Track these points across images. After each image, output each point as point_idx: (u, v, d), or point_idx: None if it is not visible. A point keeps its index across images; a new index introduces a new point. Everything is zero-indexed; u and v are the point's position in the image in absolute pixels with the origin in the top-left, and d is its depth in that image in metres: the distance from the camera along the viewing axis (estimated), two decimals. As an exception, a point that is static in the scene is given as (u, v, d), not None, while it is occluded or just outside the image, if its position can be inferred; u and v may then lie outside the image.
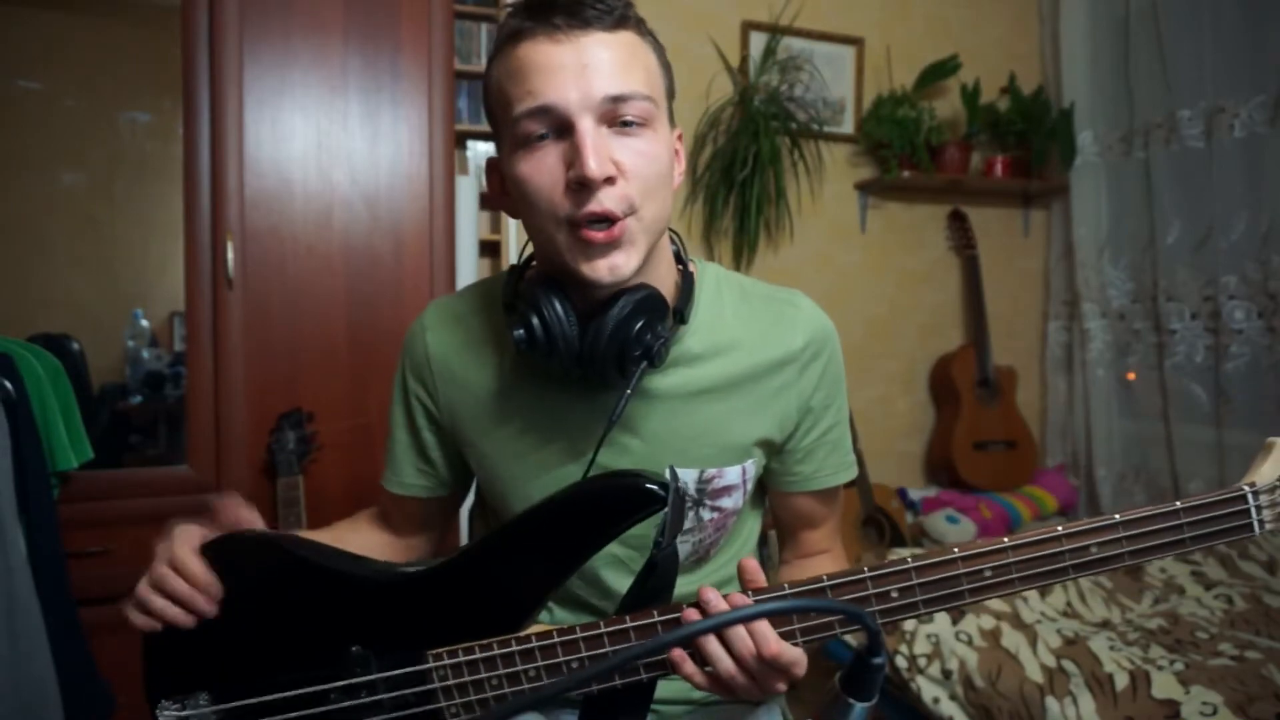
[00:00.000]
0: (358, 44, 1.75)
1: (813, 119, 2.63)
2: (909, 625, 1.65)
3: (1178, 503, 0.68)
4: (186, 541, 0.79)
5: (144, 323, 1.91)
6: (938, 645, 1.61)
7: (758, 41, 2.63)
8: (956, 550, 0.68)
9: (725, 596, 0.69)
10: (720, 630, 0.68)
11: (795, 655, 0.68)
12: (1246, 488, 0.68)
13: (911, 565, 0.68)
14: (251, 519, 0.83)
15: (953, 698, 1.56)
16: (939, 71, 2.73)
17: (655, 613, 0.71)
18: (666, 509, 0.70)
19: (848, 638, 1.79)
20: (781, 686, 0.69)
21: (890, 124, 2.64)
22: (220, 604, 0.78)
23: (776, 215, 2.62)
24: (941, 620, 1.64)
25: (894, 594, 0.68)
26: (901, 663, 1.63)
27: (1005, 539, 0.68)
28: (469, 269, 2.11)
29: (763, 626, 0.68)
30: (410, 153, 1.79)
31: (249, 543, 0.80)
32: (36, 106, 1.86)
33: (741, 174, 2.50)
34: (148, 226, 1.93)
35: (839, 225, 2.81)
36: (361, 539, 1.01)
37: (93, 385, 1.83)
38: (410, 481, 0.99)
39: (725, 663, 0.67)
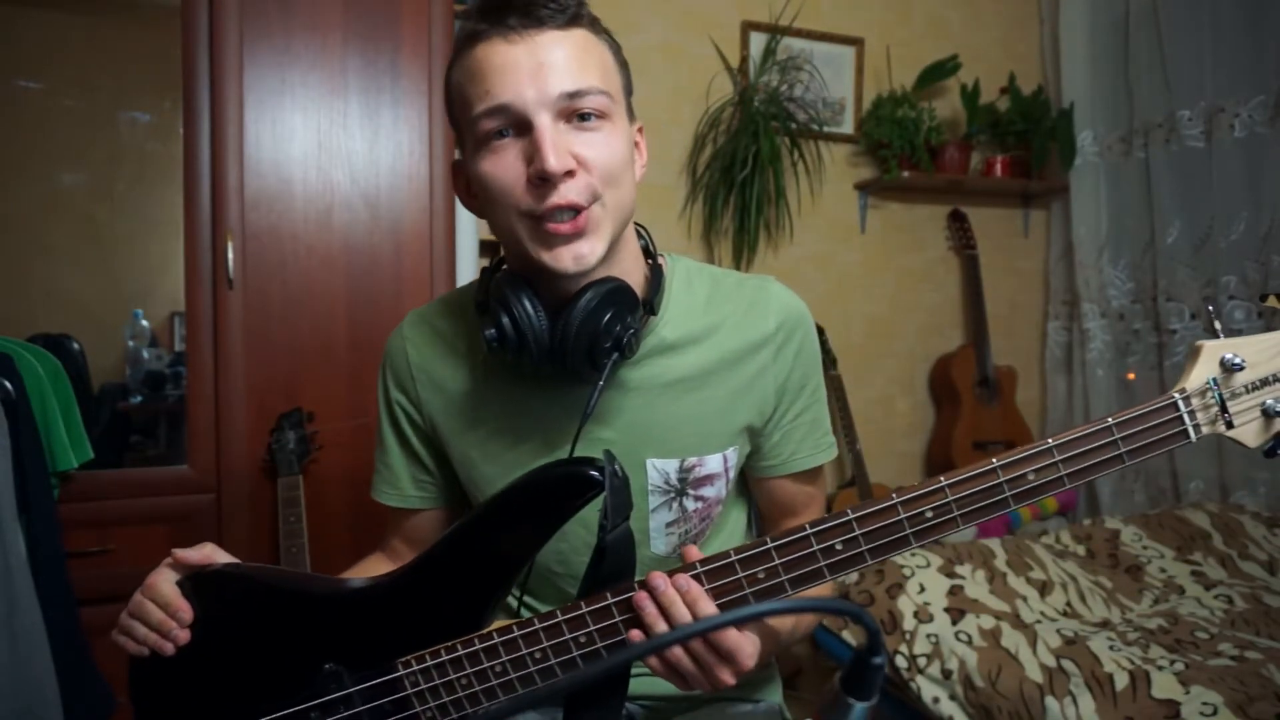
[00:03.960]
0: (358, 44, 1.75)
1: (813, 119, 2.63)
2: (909, 625, 1.65)
3: (1109, 419, 0.67)
4: (162, 571, 0.81)
5: (144, 323, 1.91)
6: (938, 645, 1.61)
7: (758, 42, 2.63)
8: (895, 496, 0.68)
9: (670, 574, 0.70)
10: (666, 611, 0.69)
11: (737, 641, 0.69)
12: (1177, 394, 0.67)
13: (852, 516, 0.69)
14: (222, 558, 0.84)
15: (953, 698, 1.56)
16: (939, 71, 2.73)
17: (609, 595, 0.72)
18: (605, 492, 0.71)
19: (847, 636, 1.79)
20: (728, 678, 0.70)
21: (890, 124, 2.64)
22: (197, 635, 0.79)
23: (776, 215, 2.62)
24: (941, 620, 1.64)
25: (838, 547, 0.69)
26: (901, 663, 1.63)
27: (941, 478, 0.68)
28: (469, 269, 2.10)
29: (705, 605, 0.69)
30: (410, 153, 1.79)
31: (220, 575, 0.82)
32: (36, 106, 1.86)
33: (741, 174, 2.50)
34: (148, 226, 1.93)
35: (839, 225, 2.81)
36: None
37: (93, 385, 1.82)
38: (410, 492, 0.99)
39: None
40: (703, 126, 2.59)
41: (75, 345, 1.79)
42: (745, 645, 0.69)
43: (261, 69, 1.69)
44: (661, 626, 0.69)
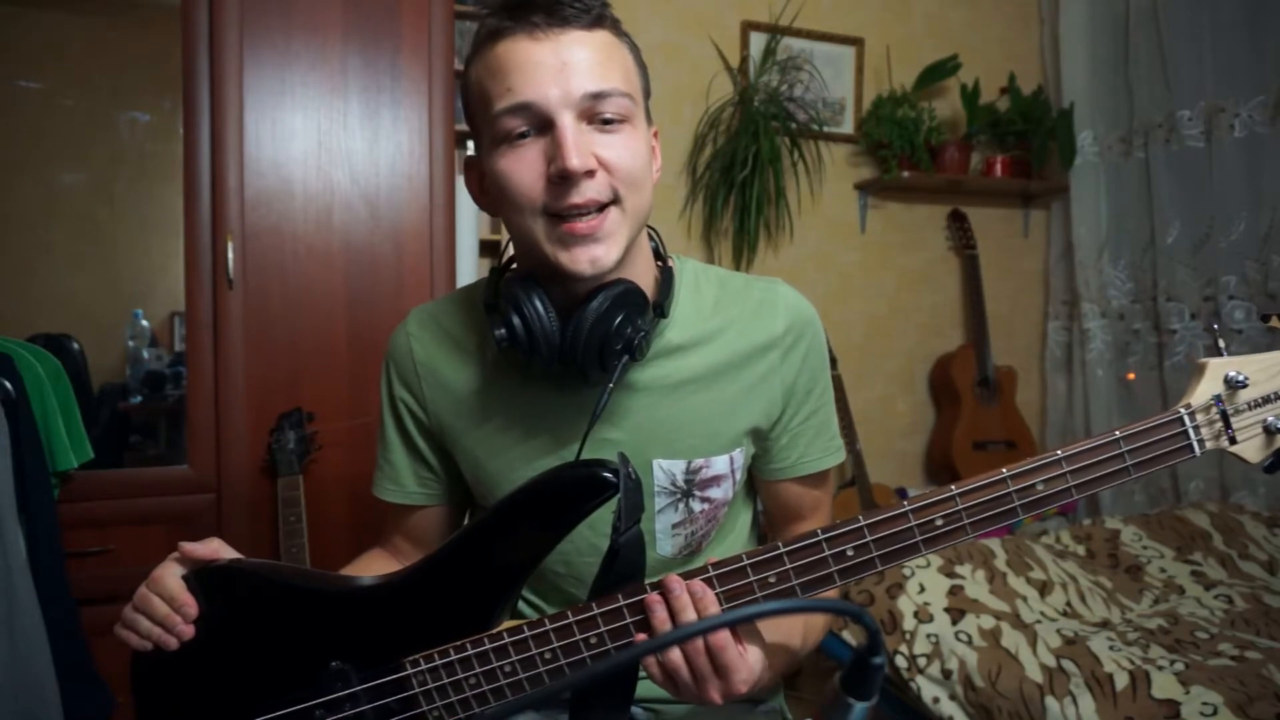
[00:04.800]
0: (358, 44, 1.75)
1: (813, 119, 2.63)
2: (909, 625, 1.65)
3: (1116, 431, 0.69)
4: (169, 565, 0.81)
5: (144, 323, 1.91)
6: (938, 645, 1.61)
7: (758, 41, 2.63)
8: (906, 504, 0.69)
9: (685, 577, 0.70)
10: (676, 615, 0.69)
11: (734, 660, 0.68)
12: (1182, 410, 0.69)
13: (864, 523, 0.70)
14: (229, 554, 0.84)
15: (953, 698, 1.56)
16: (939, 71, 2.73)
17: (620, 596, 0.72)
18: (619, 494, 0.71)
19: (847, 636, 1.79)
20: (715, 695, 0.69)
21: (890, 124, 2.64)
22: (202, 630, 0.79)
23: (776, 215, 2.62)
24: (941, 620, 1.64)
25: (849, 552, 0.70)
26: (901, 662, 1.63)
27: (953, 486, 0.69)
28: (469, 269, 2.11)
29: (712, 611, 0.69)
30: (410, 153, 1.79)
31: (227, 571, 0.81)
32: (36, 106, 1.86)
33: (741, 174, 2.50)
34: (148, 226, 1.93)
35: (839, 225, 2.81)
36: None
37: (93, 385, 1.82)
38: (413, 489, 0.98)
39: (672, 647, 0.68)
40: (703, 126, 2.59)
41: (75, 345, 1.79)
42: (741, 669, 0.69)
43: (261, 69, 1.69)
44: (665, 624, 0.69)
